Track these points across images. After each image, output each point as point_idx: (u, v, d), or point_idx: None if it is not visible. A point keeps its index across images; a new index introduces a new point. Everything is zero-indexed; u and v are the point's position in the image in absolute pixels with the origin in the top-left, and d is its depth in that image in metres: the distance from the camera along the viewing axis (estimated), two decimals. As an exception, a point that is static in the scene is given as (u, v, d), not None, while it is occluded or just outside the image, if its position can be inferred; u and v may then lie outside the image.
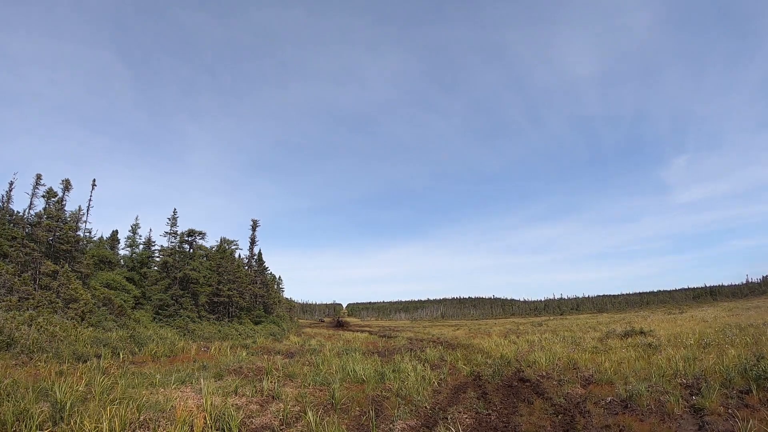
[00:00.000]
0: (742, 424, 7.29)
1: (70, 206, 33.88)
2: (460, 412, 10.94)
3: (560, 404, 11.24)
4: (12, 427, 7.23)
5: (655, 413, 9.52)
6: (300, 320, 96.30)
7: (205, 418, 8.79)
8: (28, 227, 28.19)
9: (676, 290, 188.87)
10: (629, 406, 10.26)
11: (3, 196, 31.08)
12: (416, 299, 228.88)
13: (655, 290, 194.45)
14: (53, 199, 30.12)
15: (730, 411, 8.94)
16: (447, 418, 10.37)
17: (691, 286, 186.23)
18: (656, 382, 11.97)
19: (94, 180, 36.75)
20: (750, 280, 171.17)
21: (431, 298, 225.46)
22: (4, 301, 20.99)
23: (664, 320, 40.10)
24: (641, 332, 25.20)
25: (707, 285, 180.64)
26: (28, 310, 21.05)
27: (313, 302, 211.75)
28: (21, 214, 30.14)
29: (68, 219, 31.45)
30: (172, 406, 9.21)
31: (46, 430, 7.68)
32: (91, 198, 36.18)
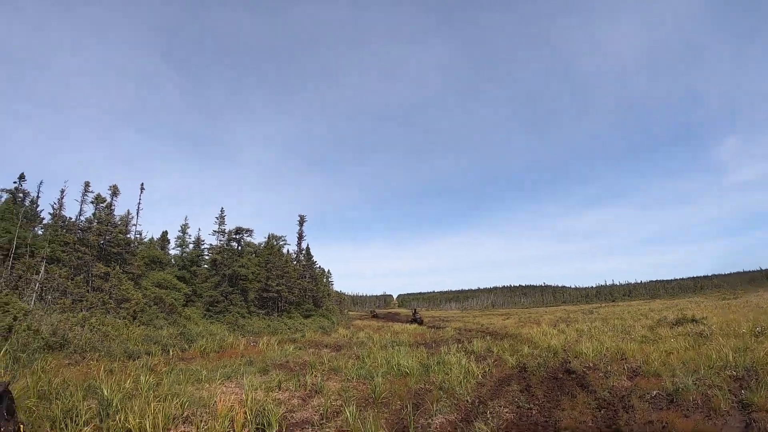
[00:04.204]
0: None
1: (120, 210, 35.04)
2: (501, 406, 10.94)
3: (604, 398, 11.12)
4: (60, 424, 7.51)
5: (701, 408, 9.31)
6: (350, 312, 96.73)
7: (245, 413, 8.95)
8: (79, 232, 29.23)
9: (731, 274, 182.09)
10: (675, 400, 10.06)
11: (55, 204, 32.33)
12: (466, 288, 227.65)
13: (709, 274, 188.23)
14: (102, 204, 31.18)
15: (778, 409, 8.70)
16: (486, 413, 10.40)
17: (746, 269, 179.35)
18: (704, 374, 11.66)
19: (142, 184, 37.88)
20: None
21: (481, 287, 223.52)
22: (58, 303, 21.90)
23: (718, 306, 38.88)
24: (693, 320, 24.53)
25: (762, 268, 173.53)
26: (81, 311, 21.93)
27: (364, 294, 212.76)
28: (72, 220, 31.30)
29: (118, 223, 32.50)
30: (214, 402, 9.46)
31: (92, 426, 7.95)
32: (140, 201, 37.17)
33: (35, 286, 22.41)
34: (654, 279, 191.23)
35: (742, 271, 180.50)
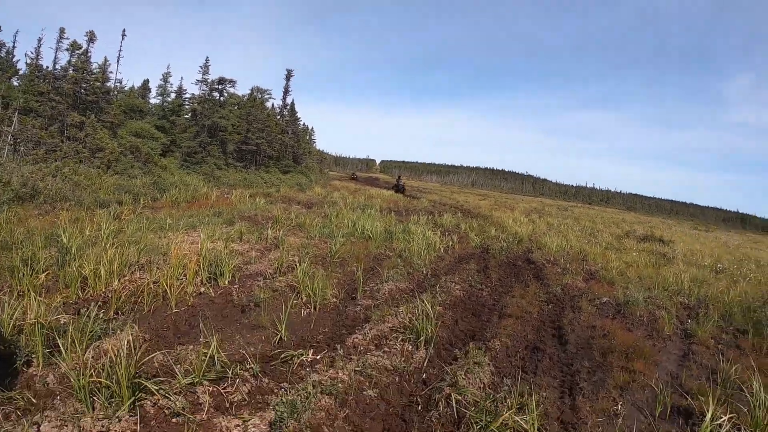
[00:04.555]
0: (725, 365, 7.05)
1: (97, 57, 33.37)
2: (453, 283, 10.94)
3: (555, 294, 11.21)
4: (19, 273, 7.32)
5: (645, 326, 9.37)
6: (331, 172, 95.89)
7: (197, 262, 8.81)
8: (53, 81, 27.61)
9: (708, 207, 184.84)
10: (622, 312, 10.13)
11: (31, 53, 30.58)
12: (449, 164, 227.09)
13: (687, 202, 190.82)
14: (78, 51, 29.32)
15: (720, 347, 8.74)
16: (437, 286, 10.42)
17: (724, 208, 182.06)
18: (657, 294, 11.75)
19: (124, 30, 36.64)
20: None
21: (464, 165, 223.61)
22: (30, 155, 21.11)
23: (688, 234, 39.55)
24: (660, 240, 24.84)
25: (740, 211, 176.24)
26: (55, 161, 21.18)
27: (347, 156, 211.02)
28: (49, 69, 29.55)
29: (95, 70, 30.66)
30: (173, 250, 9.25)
31: (50, 273, 7.82)
32: (121, 48, 36.21)
33: (8, 138, 21.43)
34: (634, 192, 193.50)
35: (719, 208, 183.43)
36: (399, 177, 61.00)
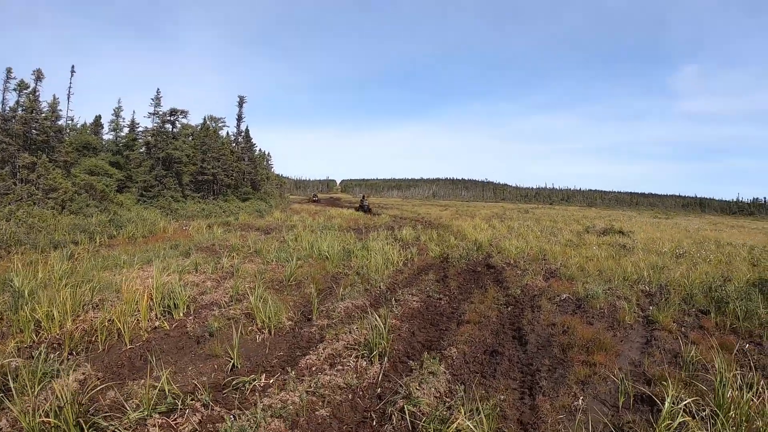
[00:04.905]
0: (687, 347, 6.94)
1: (46, 96, 32.71)
2: (411, 294, 10.74)
3: (515, 295, 11.04)
4: None
5: (606, 318, 9.26)
6: (291, 196, 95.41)
7: (150, 297, 8.68)
8: (2, 122, 26.91)
9: (667, 195, 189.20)
10: (582, 306, 10.01)
11: None
12: (409, 178, 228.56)
13: (647, 192, 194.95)
14: (26, 91, 28.66)
15: (682, 330, 8.65)
16: (393, 300, 10.16)
17: (682, 194, 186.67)
18: (617, 285, 11.70)
19: (73, 66, 35.68)
20: (740, 199, 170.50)
21: (425, 177, 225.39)
22: None
23: (648, 223, 40.03)
24: (620, 232, 25.04)
25: (697, 196, 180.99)
26: (8, 205, 20.70)
27: (307, 178, 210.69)
28: None
29: (44, 109, 29.98)
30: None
31: (4, 319, 7.80)
32: (71, 85, 34.96)
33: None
34: (594, 188, 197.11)
35: (678, 195, 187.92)
36: (364, 197, 55.55)
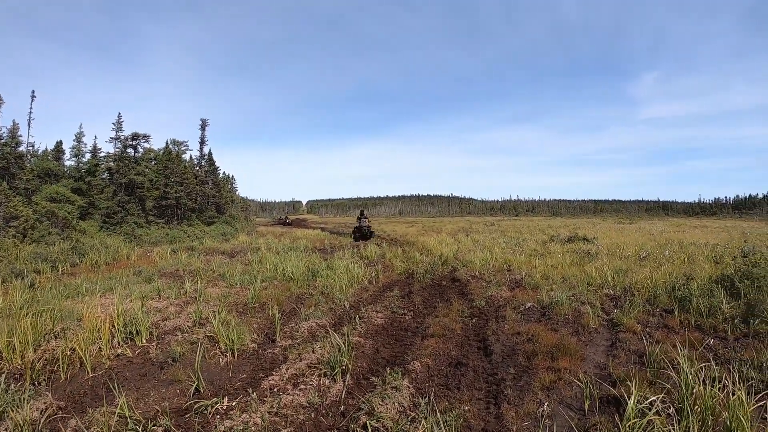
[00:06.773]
0: (651, 347, 6.92)
1: (5, 122, 31.91)
2: (375, 311, 10.59)
3: (479, 307, 10.95)
4: None
5: (571, 324, 9.22)
6: (257, 219, 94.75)
7: (111, 324, 8.49)
8: None
9: (630, 201, 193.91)
10: (547, 314, 9.96)
11: None
12: (374, 196, 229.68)
13: (611, 199, 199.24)
14: None
15: (647, 330, 8.64)
16: (357, 318, 9.96)
17: (645, 199, 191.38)
18: (581, 291, 11.71)
19: (33, 91, 34.91)
20: (702, 200, 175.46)
21: (390, 195, 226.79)
22: None
23: (612, 229, 40.66)
24: (584, 239, 25.30)
25: (660, 200, 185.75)
26: None
27: (272, 200, 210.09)
28: None
29: (5, 135, 29.44)
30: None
31: None
32: (32, 110, 34.31)
33: None
34: (558, 198, 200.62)
35: (641, 200, 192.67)
36: (362, 214, 38.86)
